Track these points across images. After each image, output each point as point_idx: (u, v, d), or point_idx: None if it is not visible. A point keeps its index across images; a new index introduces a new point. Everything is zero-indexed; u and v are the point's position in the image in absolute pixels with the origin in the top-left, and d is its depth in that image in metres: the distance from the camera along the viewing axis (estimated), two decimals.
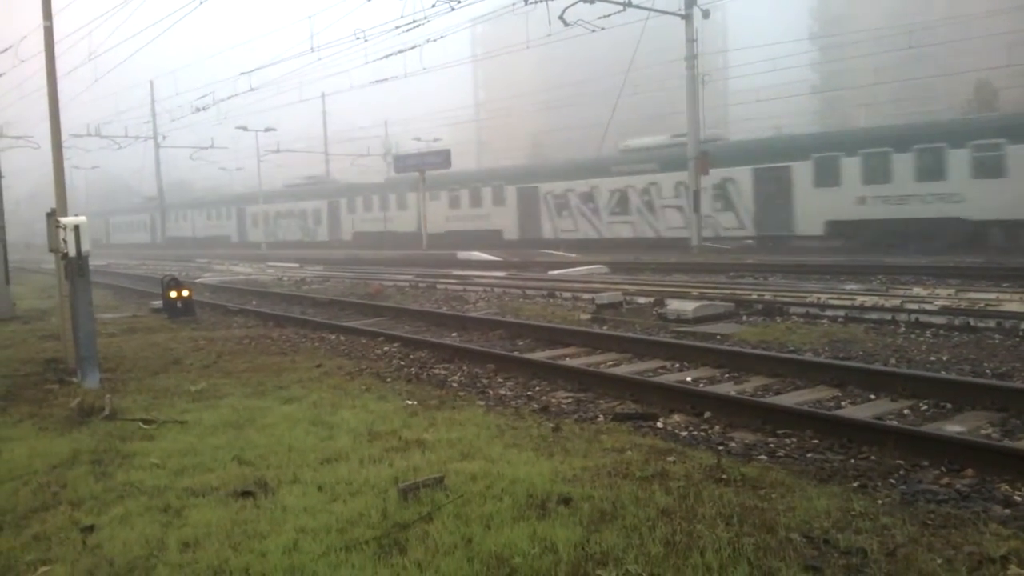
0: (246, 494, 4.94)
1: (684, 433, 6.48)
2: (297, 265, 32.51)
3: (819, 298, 13.11)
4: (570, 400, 7.76)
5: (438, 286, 19.94)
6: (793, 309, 12.58)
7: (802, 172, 27.32)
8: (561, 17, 24.83)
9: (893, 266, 19.28)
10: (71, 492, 5.21)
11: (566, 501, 4.59)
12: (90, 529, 4.53)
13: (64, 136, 10.86)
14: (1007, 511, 4.55)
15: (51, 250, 9.56)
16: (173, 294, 15.35)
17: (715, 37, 74.58)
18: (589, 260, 25.74)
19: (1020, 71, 45.40)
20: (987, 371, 8.22)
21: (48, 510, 4.93)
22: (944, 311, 11.18)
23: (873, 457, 5.57)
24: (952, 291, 13.67)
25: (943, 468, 5.28)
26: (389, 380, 8.83)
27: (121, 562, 4.09)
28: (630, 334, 11.24)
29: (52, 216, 9.60)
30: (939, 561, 3.78)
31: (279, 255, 41.27)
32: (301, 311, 16.48)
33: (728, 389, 7.87)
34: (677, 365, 9.20)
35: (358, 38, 27.96)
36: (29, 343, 12.67)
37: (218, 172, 68.15)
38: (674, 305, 12.80)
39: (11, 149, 40.05)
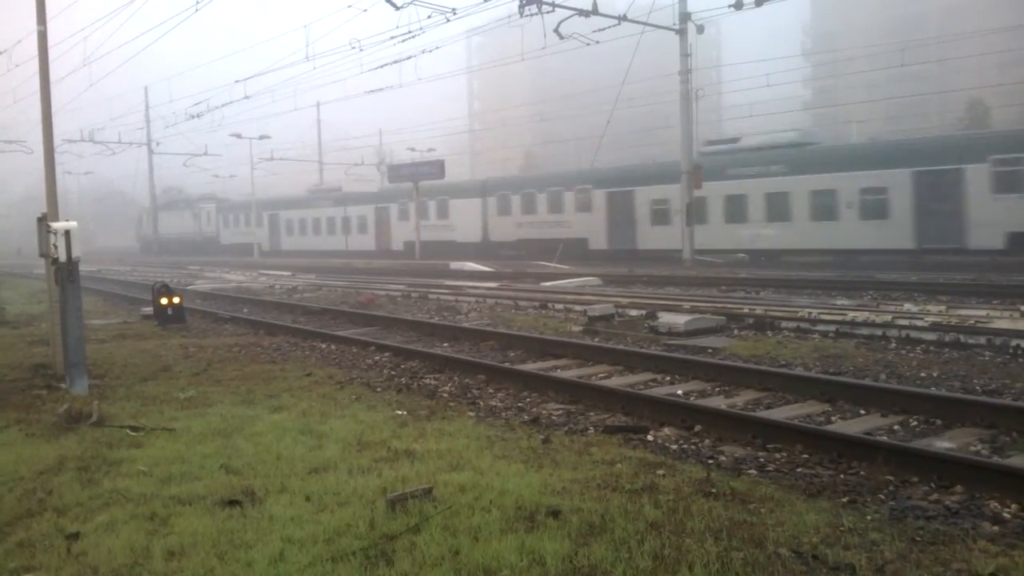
0: (233, 503, 4.91)
1: (674, 446, 6.48)
2: (289, 273, 32.45)
3: (810, 313, 13.14)
4: (561, 412, 7.74)
5: (430, 296, 19.93)
6: (784, 323, 12.61)
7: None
8: (556, 30, 24.90)
9: (884, 282, 19.36)
10: (57, 499, 5.17)
11: (555, 513, 4.58)
12: (75, 536, 4.50)
13: (57, 141, 10.85)
14: (996, 528, 4.55)
15: (41, 255, 9.51)
16: (164, 301, 15.29)
17: (709, 52, 75.18)
18: (582, 272, 25.77)
19: (1012, 90, 45.85)
20: (977, 388, 8.23)
21: (33, 517, 4.89)
22: (935, 327, 11.21)
23: (863, 472, 5.58)
24: (943, 307, 13.71)
25: (932, 484, 5.29)
26: (379, 390, 8.80)
27: (105, 570, 4.06)
28: (621, 347, 11.24)
29: (43, 221, 9.56)
30: None
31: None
32: (292, 319, 16.43)
33: (719, 403, 7.87)
34: (668, 378, 9.20)
35: (353, 48, 28.01)
36: (18, 348, 12.59)
37: (210, 179, 67.58)
38: (666, 318, 12.81)
39: (3, 153, 40.02)
